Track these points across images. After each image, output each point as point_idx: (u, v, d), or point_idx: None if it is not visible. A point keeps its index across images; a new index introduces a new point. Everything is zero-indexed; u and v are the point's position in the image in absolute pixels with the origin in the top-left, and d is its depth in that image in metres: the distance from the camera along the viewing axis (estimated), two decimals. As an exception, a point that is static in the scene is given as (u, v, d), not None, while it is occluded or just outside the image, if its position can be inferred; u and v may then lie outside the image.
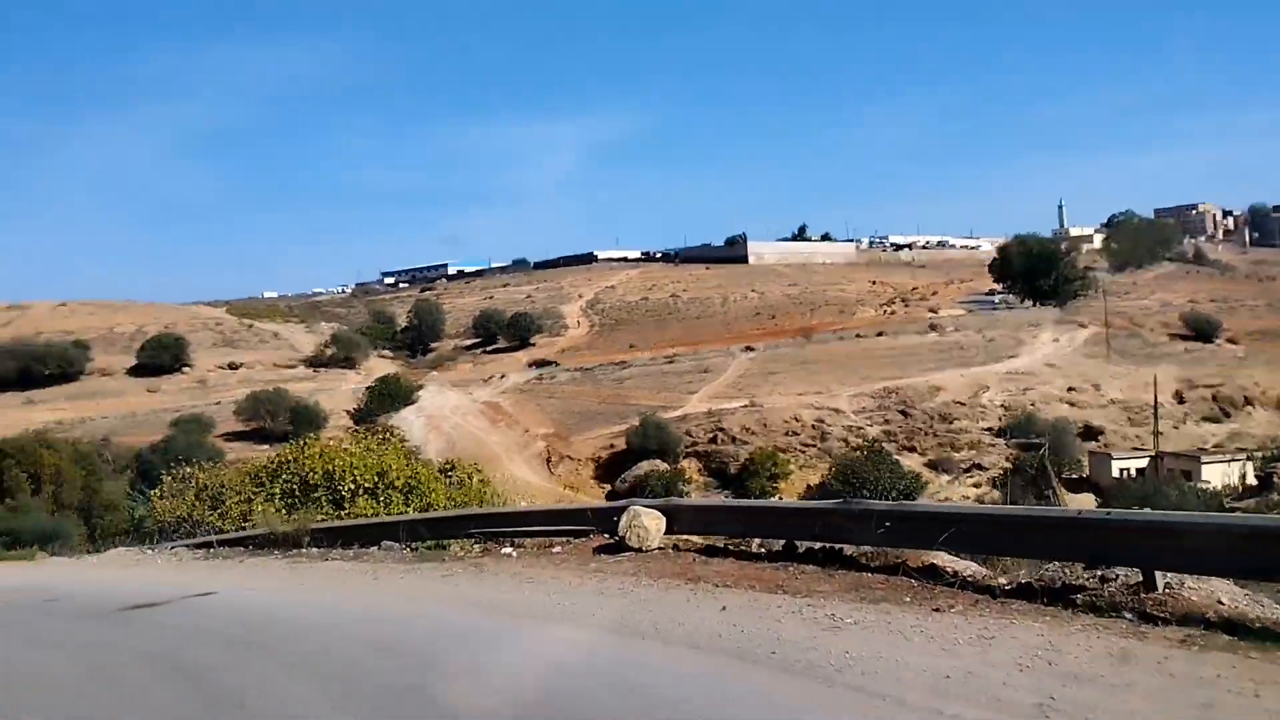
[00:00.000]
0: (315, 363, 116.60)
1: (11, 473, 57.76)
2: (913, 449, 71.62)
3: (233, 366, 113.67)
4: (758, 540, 11.09)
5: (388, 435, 31.10)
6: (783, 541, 10.60)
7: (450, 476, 24.97)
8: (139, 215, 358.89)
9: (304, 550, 14.33)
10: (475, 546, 13.05)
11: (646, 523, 11.41)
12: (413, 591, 10.68)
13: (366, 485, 19.48)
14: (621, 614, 8.56)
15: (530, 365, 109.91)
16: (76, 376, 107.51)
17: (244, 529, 16.99)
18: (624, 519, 11.52)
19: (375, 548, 14.00)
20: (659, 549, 11.45)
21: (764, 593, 8.92)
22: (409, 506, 19.43)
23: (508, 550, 12.68)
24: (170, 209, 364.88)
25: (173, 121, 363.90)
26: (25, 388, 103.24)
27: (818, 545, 10.17)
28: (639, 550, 11.35)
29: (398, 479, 20.26)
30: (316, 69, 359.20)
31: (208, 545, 15.36)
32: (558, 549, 12.28)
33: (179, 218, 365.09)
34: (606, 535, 12.16)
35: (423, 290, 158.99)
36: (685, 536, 11.83)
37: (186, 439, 70.23)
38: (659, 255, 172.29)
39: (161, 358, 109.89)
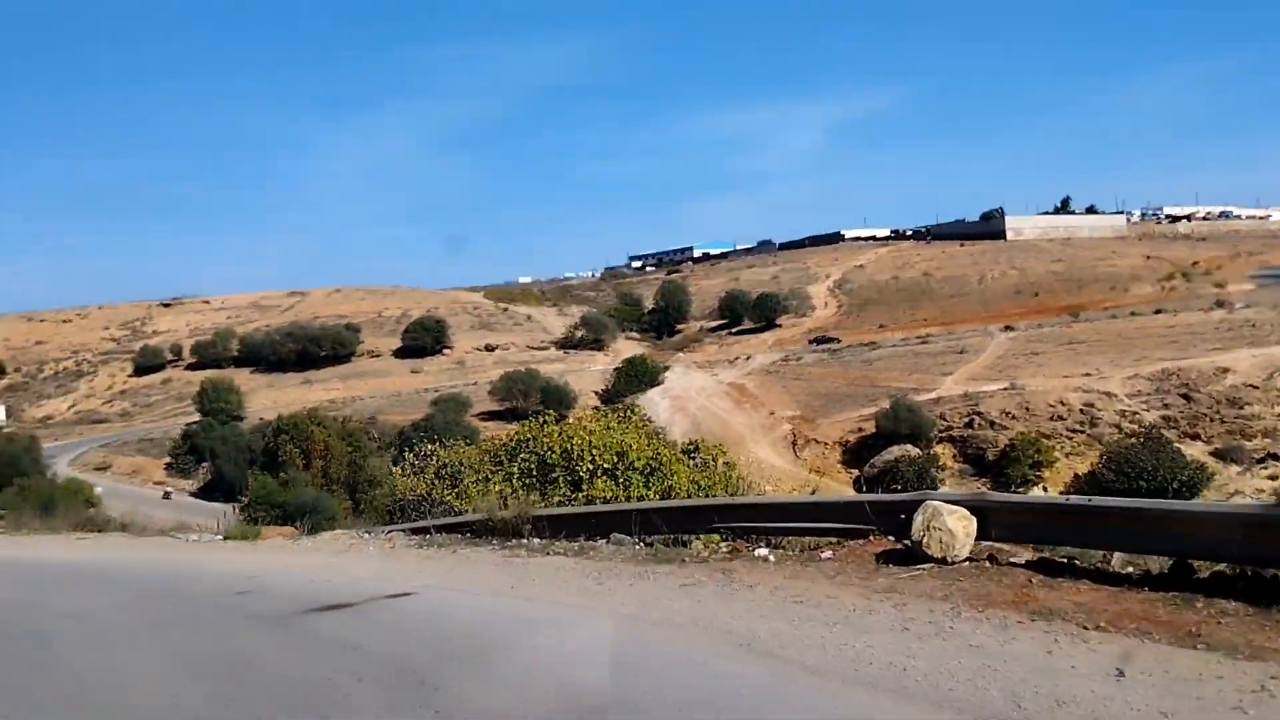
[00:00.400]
0: (565, 344, 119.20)
1: (285, 448, 61.55)
2: (1196, 436, 64.07)
3: (489, 348, 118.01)
4: (1121, 555, 7.81)
5: (628, 414, 29.52)
6: (1170, 560, 7.29)
7: (694, 459, 23.02)
8: (404, 206, 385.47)
9: (524, 540, 12.28)
10: (722, 545, 10.47)
11: (951, 524, 8.38)
12: (642, 607, 8.17)
13: (605, 466, 17.74)
14: (948, 670, 5.63)
15: (810, 341, 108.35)
16: (348, 358, 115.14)
17: (476, 508, 15.43)
18: (919, 518, 8.53)
19: (604, 540, 11.73)
20: (969, 560, 8.40)
21: (1172, 645, 5.71)
22: (649, 489, 17.60)
23: (762, 551, 9.99)
24: (431, 200, 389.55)
25: (431, 118, 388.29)
26: (303, 368, 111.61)
27: (1230, 569, 6.82)
28: (941, 561, 8.36)
29: (638, 460, 18.44)
30: (565, 62, 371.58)
31: (425, 531, 13.71)
32: (827, 553, 9.46)
33: (440, 208, 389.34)
34: (891, 538, 9.23)
35: (669, 273, 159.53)
36: (999, 544, 8.72)
37: (444, 417, 72.59)
38: (909, 233, 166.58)
39: (424, 340, 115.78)
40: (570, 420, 24.39)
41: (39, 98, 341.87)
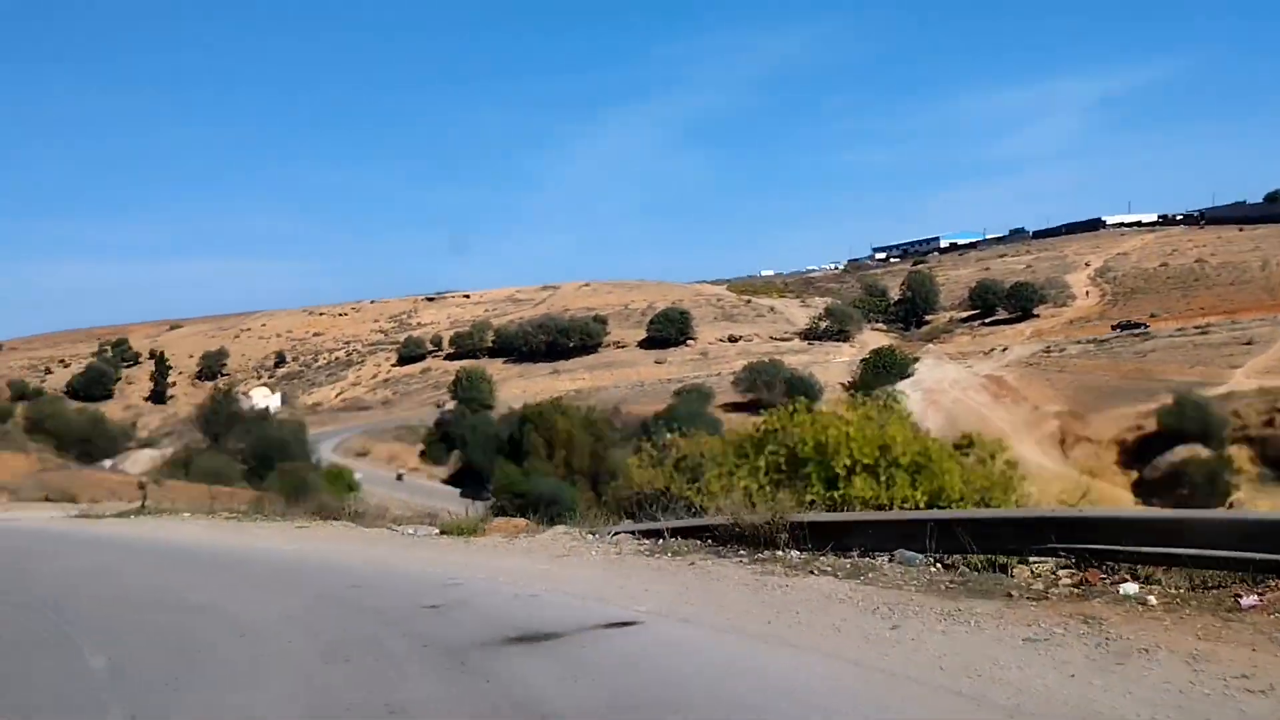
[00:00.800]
0: (809, 335, 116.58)
1: (529, 437, 61.98)
2: None
3: (731, 339, 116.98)
4: None
5: (888, 403, 26.64)
6: None
7: (966, 455, 20.01)
8: (650, 201, 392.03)
9: (779, 551, 9.68)
10: (1062, 573, 7.45)
11: None
12: (973, 678, 5.33)
13: (866, 461, 15.03)
14: None
15: (1113, 328, 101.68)
16: (595, 349, 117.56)
17: (719, 508, 13.16)
18: None
19: (884, 556, 8.95)
20: None
21: None
22: (916, 490, 14.89)
23: (1130, 588, 6.90)
24: (675, 194, 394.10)
25: (674, 112, 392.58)
26: (552, 359, 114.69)
27: None
28: None
29: (903, 455, 15.67)
30: (806, 50, 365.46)
31: (658, 534, 11.40)
32: (1249, 599, 6.26)
33: (683, 202, 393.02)
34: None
35: (915, 264, 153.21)
36: None
37: (688, 408, 71.67)
38: (1179, 217, 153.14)
39: (668, 331, 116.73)
40: (822, 409, 21.81)
41: (313, 120, 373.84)
